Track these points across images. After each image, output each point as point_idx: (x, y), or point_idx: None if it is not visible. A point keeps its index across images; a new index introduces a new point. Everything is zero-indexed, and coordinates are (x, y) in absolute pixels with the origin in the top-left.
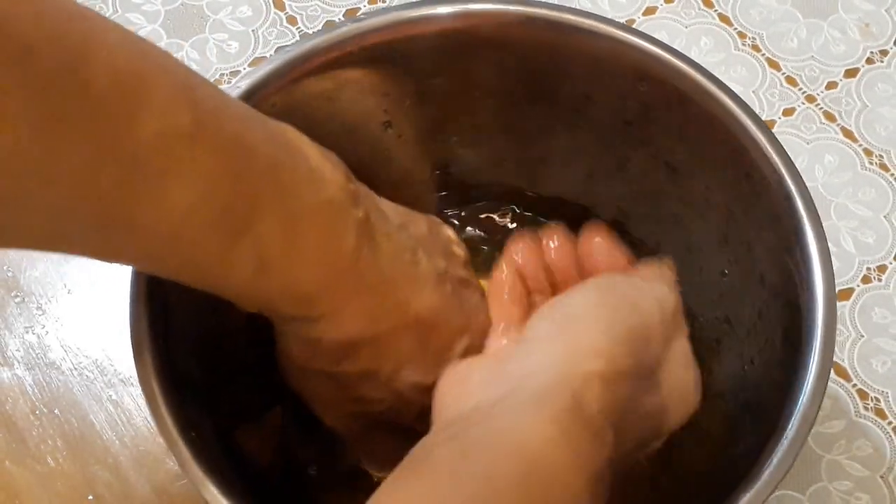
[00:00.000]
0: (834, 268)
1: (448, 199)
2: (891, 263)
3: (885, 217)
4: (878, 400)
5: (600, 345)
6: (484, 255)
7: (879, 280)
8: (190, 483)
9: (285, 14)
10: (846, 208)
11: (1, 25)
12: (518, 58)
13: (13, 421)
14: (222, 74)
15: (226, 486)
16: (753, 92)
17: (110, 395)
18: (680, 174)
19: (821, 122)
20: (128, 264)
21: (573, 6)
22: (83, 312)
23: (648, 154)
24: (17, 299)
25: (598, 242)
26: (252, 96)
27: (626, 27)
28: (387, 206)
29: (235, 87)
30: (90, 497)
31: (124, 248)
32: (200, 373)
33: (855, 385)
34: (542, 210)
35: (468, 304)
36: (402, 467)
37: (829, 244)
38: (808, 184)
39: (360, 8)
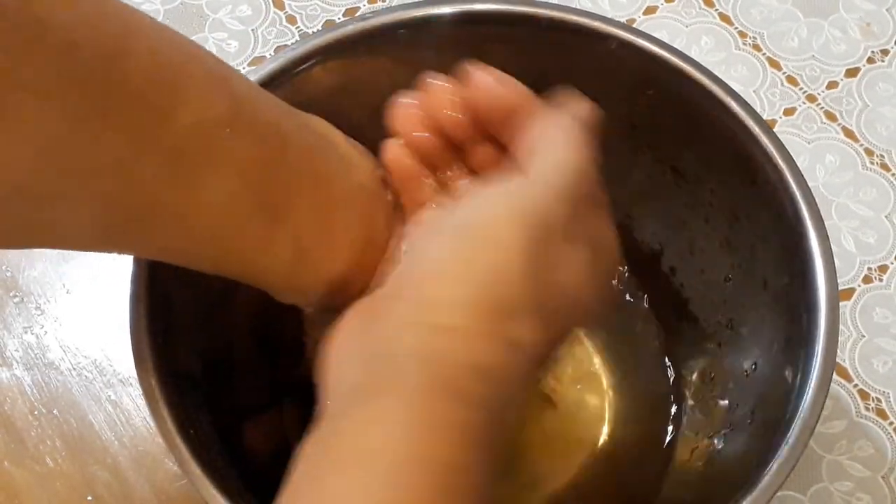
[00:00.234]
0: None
1: None
2: (892, 263)
3: (886, 217)
4: (879, 400)
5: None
6: None
7: (880, 280)
8: (189, 483)
9: (285, 13)
10: (847, 208)
11: (44, 20)
12: (522, 59)
13: (12, 421)
14: None
15: (225, 485)
16: (754, 91)
17: (109, 396)
18: (686, 178)
19: (822, 122)
20: (169, 260)
21: (574, 6)
22: (82, 312)
23: (654, 158)
24: (16, 299)
25: (482, 76)
26: None
27: (634, 29)
28: None
29: None
30: (89, 497)
31: (169, 241)
32: (200, 372)
33: (856, 385)
34: None
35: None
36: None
37: (831, 244)
38: (809, 184)
39: (359, 7)
